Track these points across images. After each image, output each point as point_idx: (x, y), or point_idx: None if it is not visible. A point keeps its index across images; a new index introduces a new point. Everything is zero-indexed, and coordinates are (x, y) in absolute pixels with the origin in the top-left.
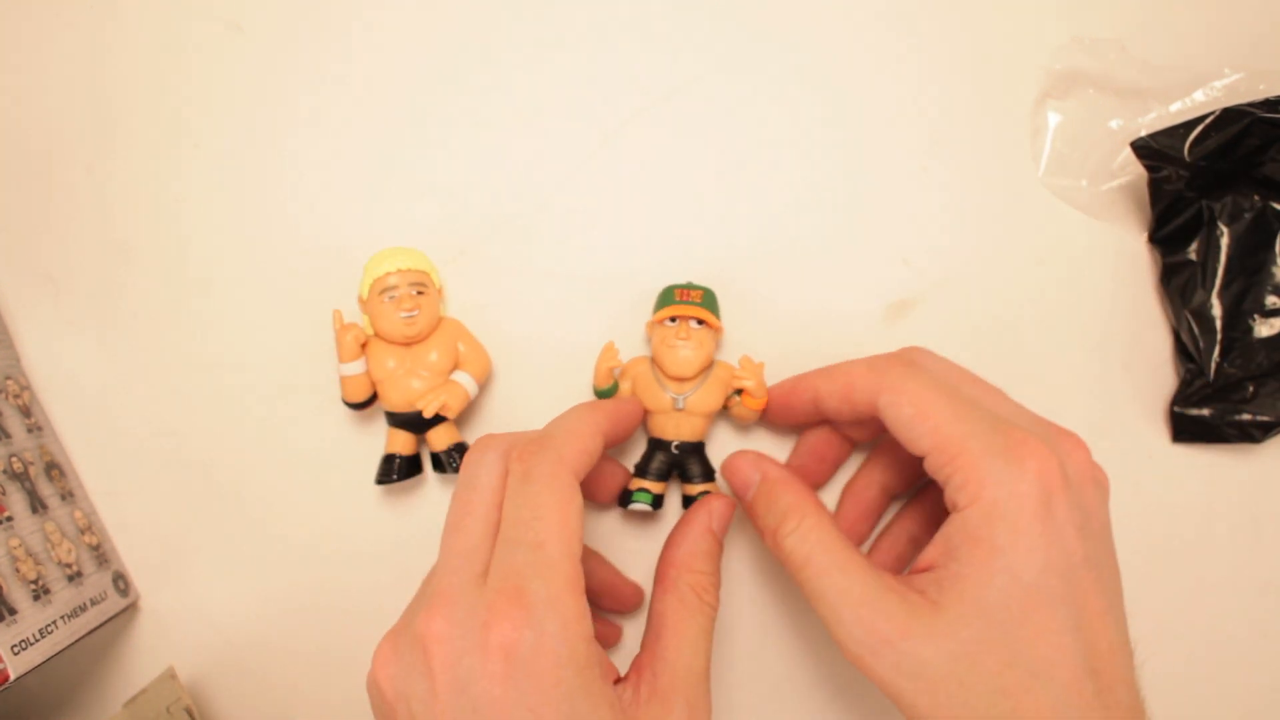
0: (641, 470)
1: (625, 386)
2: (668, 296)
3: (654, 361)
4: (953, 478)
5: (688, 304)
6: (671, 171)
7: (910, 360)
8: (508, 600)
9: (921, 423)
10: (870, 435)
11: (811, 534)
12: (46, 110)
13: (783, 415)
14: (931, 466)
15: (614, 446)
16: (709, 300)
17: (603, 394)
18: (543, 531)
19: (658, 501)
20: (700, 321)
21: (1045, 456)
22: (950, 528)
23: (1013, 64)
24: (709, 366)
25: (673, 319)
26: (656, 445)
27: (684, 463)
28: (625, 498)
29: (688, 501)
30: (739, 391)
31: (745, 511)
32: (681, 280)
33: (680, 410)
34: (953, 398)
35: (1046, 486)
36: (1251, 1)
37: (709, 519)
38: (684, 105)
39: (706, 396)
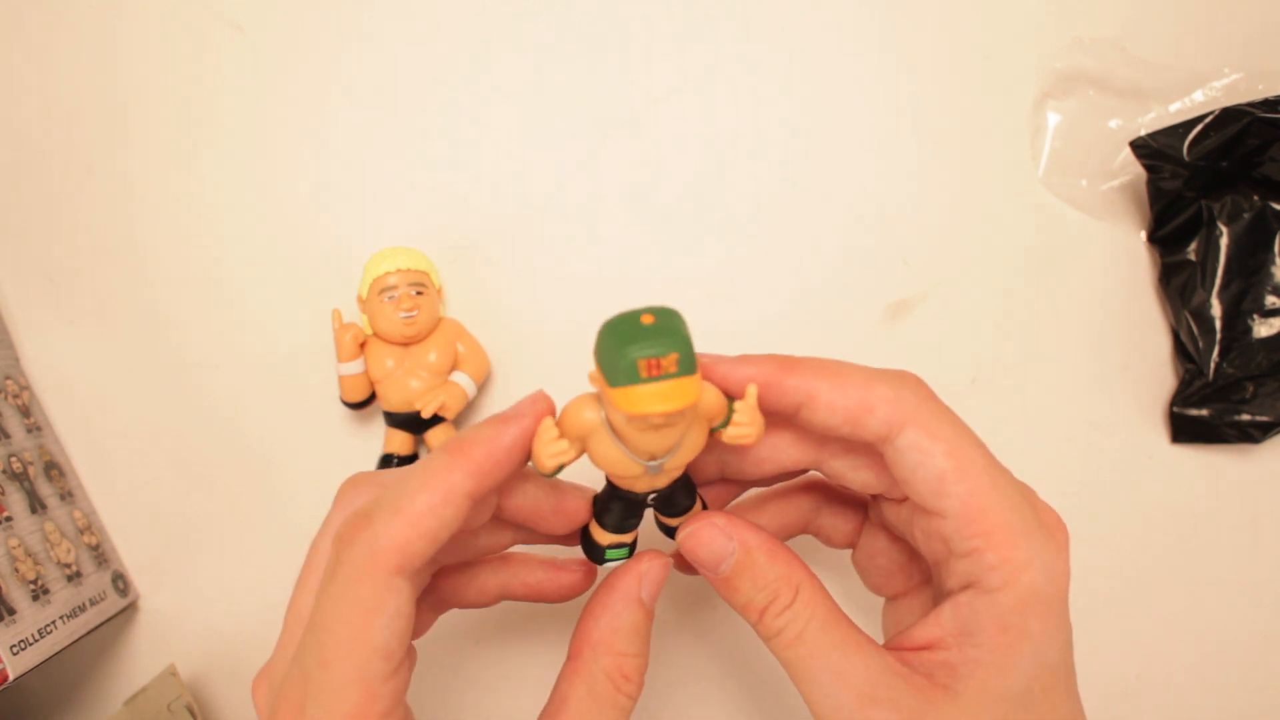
0: (603, 519)
1: (574, 454)
2: (626, 366)
3: (613, 429)
4: (983, 554)
5: (663, 380)
6: (671, 170)
7: (932, 393)
8: (289, 712)
9: (957, 482)
10: (842, 476)
11: (805, 609)
12: (47, 110)
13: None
14: (948, 530)
15: (498, 486)
16: (685, 356)
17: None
18: (331, 649)
19: (633, 549)
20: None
21: (1065, 528)
22: (969, 609)
23: (1013, 64)
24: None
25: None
26: (621, 496)
27: (661, 501)
28: (594, 551)
29: (668, 530)
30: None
31: (714, 586)
32: (641, 304)
33: (657, 474)
34: (985, 452)
35: (1069, 563)
36: (1251, 1)
37: (637, 585)
38: (683, 105)
39: (689, 448)
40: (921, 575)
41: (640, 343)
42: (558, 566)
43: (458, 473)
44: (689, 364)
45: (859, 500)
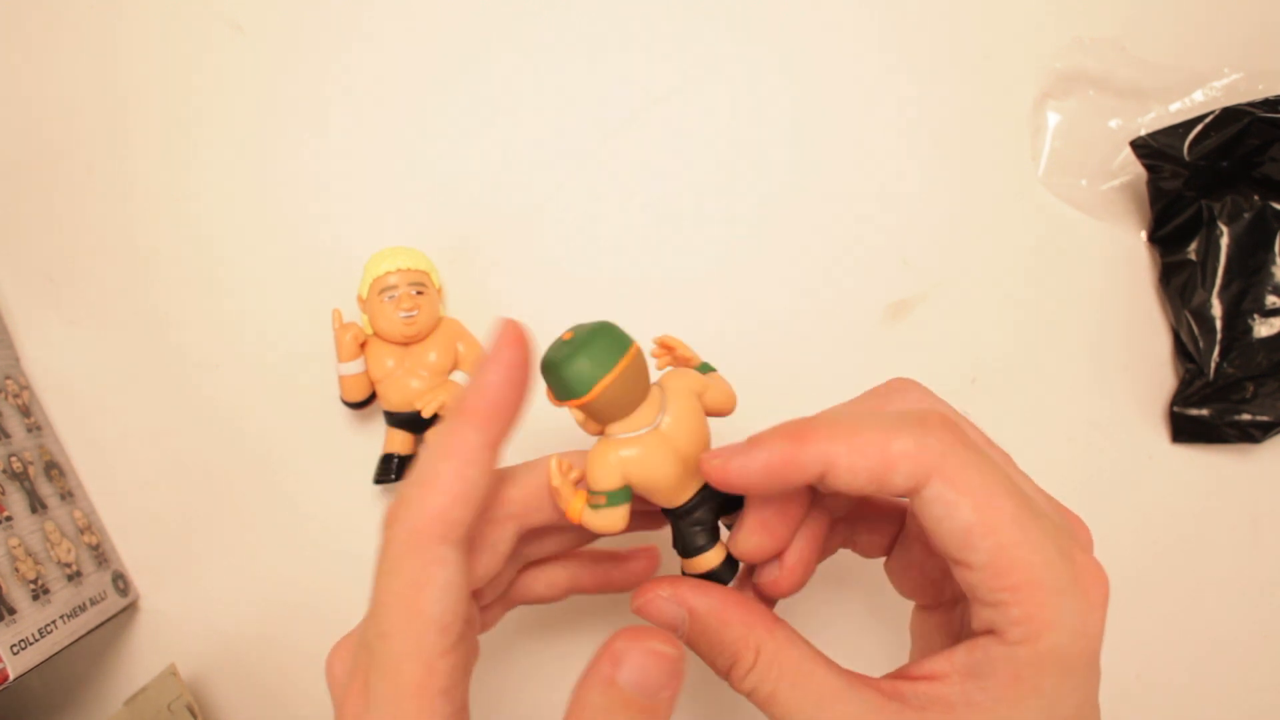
0: (677, 548)
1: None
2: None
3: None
4: (1008, 608)
5: (564, 341)
6: (671, 170)
7: (962, 433)
8: (357, 688)
9: (984, 536)
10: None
11: (770, 670)
12: (47, 110)
13: (769, 490)
14: (973, 580)
15: (513, 422)
16: (589, 351)
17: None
18: (386, 621)
19: (729, 567)
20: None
21: (1105, 583)
22: (984, 654)
23: (1013, 64)
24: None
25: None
26: (669, 513)
27: (680, 519)
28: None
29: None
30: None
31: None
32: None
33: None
34: (1018, 502)
35: (1105, 619)
36: (1251, 1)
37: (610, 667)
38: (683, 105)
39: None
40: (952, 593)
41: (558, 346)
42: (624, 556)
43: (469, 430)
44: (590, 353)
45: (894, 513)
